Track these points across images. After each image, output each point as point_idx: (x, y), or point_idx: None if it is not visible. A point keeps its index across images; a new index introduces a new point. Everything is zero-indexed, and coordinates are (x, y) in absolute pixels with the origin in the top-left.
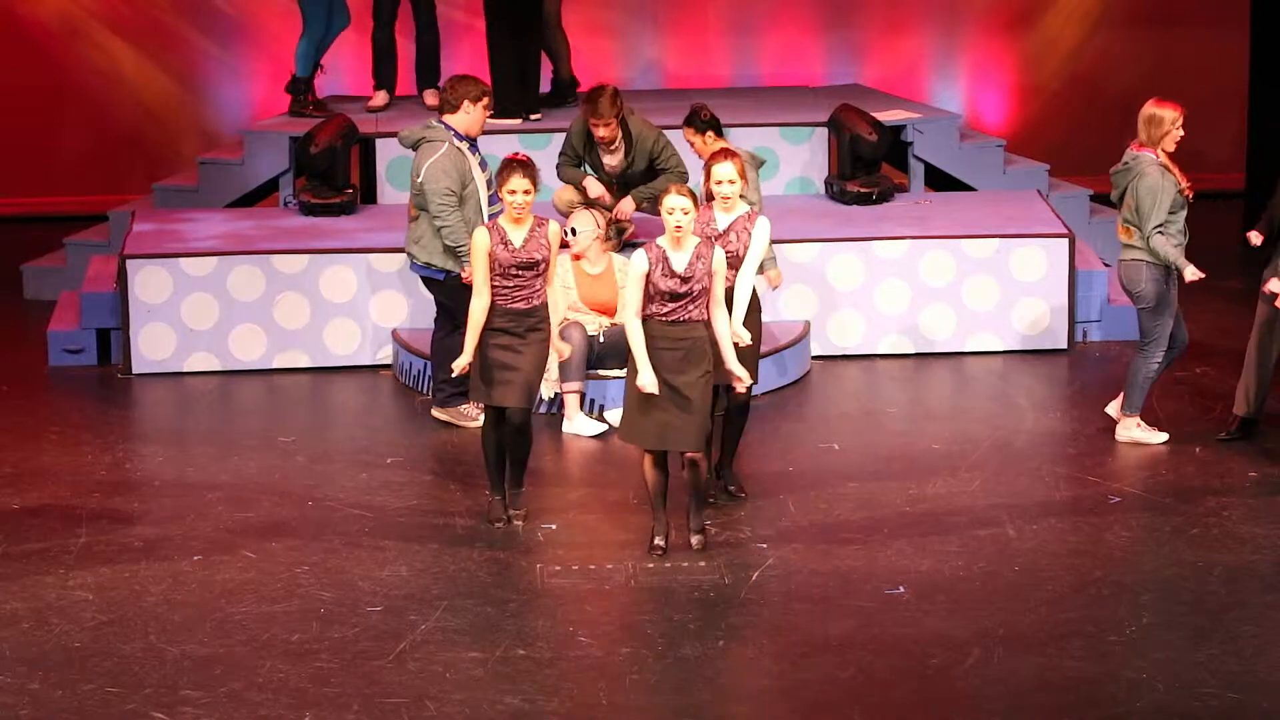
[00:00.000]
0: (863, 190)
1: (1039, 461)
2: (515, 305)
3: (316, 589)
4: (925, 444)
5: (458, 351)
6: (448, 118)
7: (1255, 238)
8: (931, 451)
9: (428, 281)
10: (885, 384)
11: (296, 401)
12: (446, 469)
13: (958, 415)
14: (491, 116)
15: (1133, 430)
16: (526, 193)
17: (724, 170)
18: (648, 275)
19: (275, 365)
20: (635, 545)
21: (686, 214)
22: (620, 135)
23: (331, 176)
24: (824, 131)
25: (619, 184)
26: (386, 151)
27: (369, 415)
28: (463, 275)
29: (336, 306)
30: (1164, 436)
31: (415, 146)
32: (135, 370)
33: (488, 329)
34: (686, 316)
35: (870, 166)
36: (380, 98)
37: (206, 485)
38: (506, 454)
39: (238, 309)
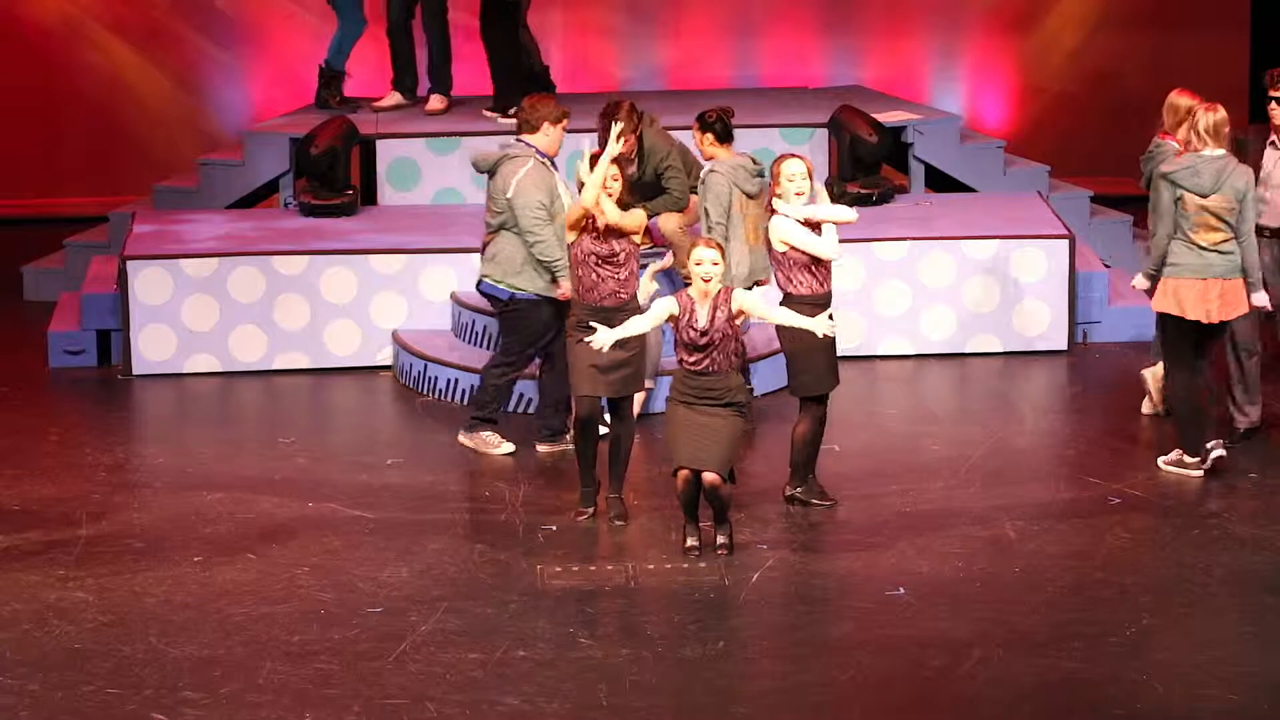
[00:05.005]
0: (863, 191)
1: (1039, 463)
2: (604, 303)
3: (317, 590)
4: (925, 445)
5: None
6: (528, 138)
7: None
8: (931, 453)
9: (491, 301)
10: (885, 385)
11: (297, 403)
12: (447, 470)
13: (958, 417)
14: (495, 110)
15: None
16: (617, 179)
17: (793, 167)
18: (675, 323)
19: (275, 366)
20: (635, 547)
21: (716, 265)
22: (635, 148)
23: (332, 178)
24: (824, 133)
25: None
26: (387, 153)
27: (369, 416)
28: (557, 294)
29: (337, 308)
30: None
31: (494, 169)
32: (135, 371)
33: (579, 326)
34: (714, 367)
35: (870, 168)
36: (393, 98)
37: (206, 486)
38: (600, 448)
39: (238, 310)
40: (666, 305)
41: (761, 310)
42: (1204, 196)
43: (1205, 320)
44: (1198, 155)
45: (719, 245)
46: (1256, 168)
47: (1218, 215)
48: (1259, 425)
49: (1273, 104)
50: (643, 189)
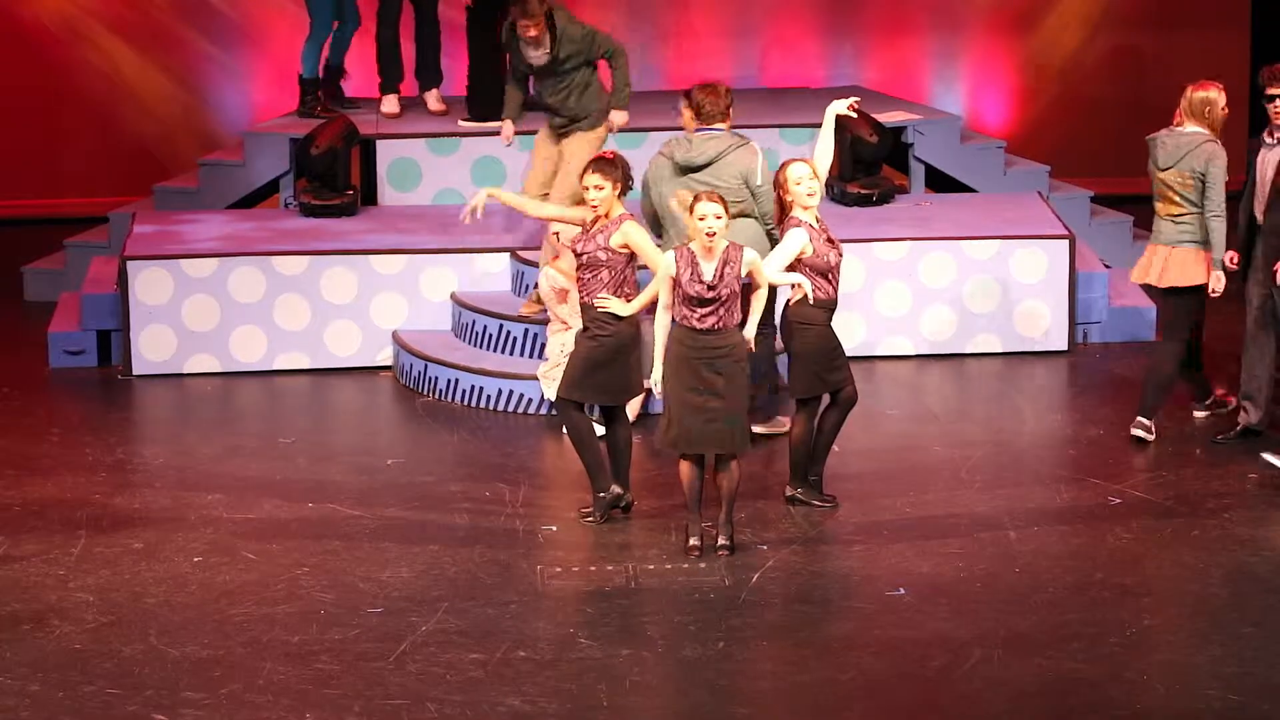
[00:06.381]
0: (863, 192)
1: (1039, 463)
2: (589, 307)
3: (317, 590)
4: (926, 446)
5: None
6: (722, 125)
7: (1231, 259)
8: (932, 453)
9: None
10: (885, 386)
11: (297, 403)
12: (447, 470)
13: (958, 417)
14: (473, 119)
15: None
16: (599, 188)
17: (799, 171)
18: (675, 278)
19: (276, 367)
20: (635, 547)
21: (719, 219)
22: (545, 31)
23: (332, 178)
24: None
25: (538, 77)
26: (387, 153)
27: (369, 417)
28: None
29: (337, 308)
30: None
31: (712, 161)
32: (136, 371)
33: (581, 329)
34: (720, 324)
35: (871, 168)
36: (392, 103)
37: (207, 486)
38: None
39: (238, 310)
40: (664, 271)
41: (762, 276)
42: (1161, 169)
43: (1135, 281)
44: (1171, 130)
45: (721, 199)
46: None
47: (1172, 189)
48: (1259, 427)
49: (1275, 101)
50: (558, 73)
